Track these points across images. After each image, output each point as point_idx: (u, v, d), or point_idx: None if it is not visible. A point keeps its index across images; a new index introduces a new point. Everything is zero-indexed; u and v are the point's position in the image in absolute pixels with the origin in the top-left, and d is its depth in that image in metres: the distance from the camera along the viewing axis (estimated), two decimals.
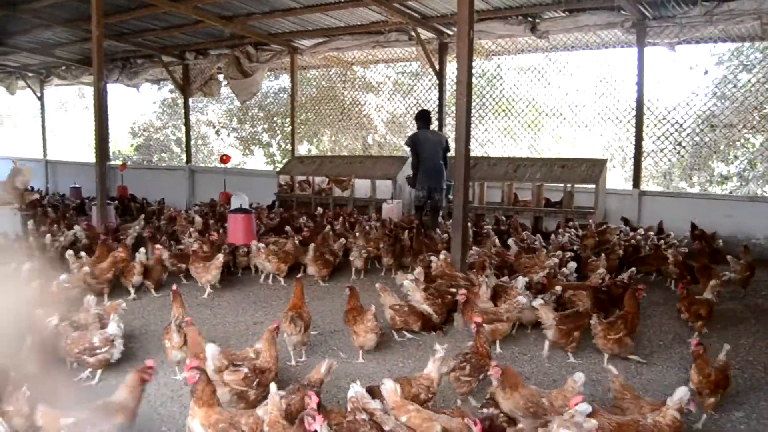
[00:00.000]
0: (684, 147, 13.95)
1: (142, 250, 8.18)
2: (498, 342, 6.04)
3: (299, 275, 7.48)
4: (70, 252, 7.95)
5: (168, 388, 5.09)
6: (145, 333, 6.53)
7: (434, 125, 12.61)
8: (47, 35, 16.67)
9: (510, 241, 9.16)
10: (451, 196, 10.14)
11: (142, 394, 4.08)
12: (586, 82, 15.81)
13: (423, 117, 11.26)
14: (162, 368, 5.40)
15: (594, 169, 12.25)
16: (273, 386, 3.83)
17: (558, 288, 6.58)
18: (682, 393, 3.76)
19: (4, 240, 9.35)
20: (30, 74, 22.36)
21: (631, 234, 10.10)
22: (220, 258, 8.05)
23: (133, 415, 3.98)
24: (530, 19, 12.60)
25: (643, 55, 12.35)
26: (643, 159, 13.14)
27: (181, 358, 5.20)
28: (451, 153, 9.80)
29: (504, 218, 11.91)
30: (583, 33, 13.03)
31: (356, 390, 3.76)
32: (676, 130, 13.55)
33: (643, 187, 13.37)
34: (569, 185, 12.17)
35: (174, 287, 6.13)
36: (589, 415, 3.55)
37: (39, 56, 19.32)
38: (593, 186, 11.93)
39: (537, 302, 5.87)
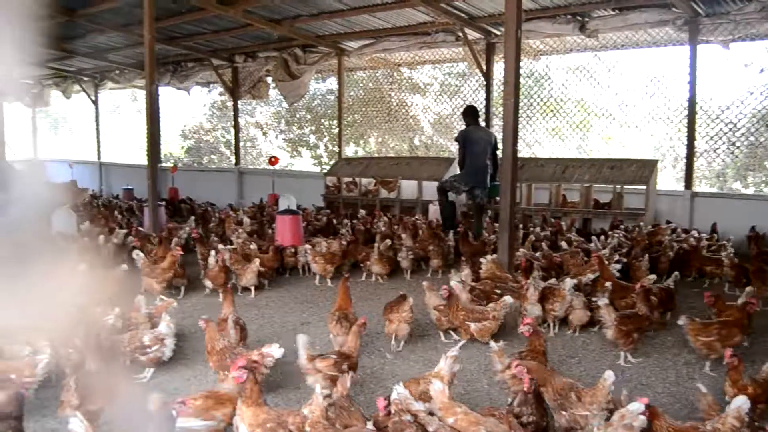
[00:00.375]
0: (738, 147, 13.58)
1: (213, 253, 8.32)
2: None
3: (346, 275, 7.54)
4: (138, 252, 8.15)
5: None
6: (195, 332, 6.63)
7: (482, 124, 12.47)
8: (101, 40, 17.09)
9: (563, 243, 9.13)
10: (498, 198, 10.17)
11: None
12: (636, 81, 15.55)
13: (472, 113, 11.14)
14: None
15: (644, 169, 12.03)
16: (318, 387, 3.86)
17: (608, 283, 6.53)
18: (740, 401, 3.67)
19: (60, 240, 9.61)
20: (85, 78, 22.97)
21: (683, 236, 9.90)
22: (257, 262, 8.14)
23: None
24: (579, 18, 12.45)
25: (696, 53, 12.10)
26: (695, 159, 12.88)
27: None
28: (499, 152, 9.74)
29: (553, 219, 11.80)
30: (633, 31, 12.82)
31: (399, 392, 3.77)
32: (730, 130, 13.20)
33: (696, 188, 13.09)
34: (618, 186, 11.98)
35: (227, 285, 6.30)
36: (651, 418, 3.56)
37: (93, 61, 19.84)
38: (643, 187, 11.72)
39: (602, 301, 5.82)
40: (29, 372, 4.56)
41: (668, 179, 17.38)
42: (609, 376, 4.01)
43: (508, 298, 6.18)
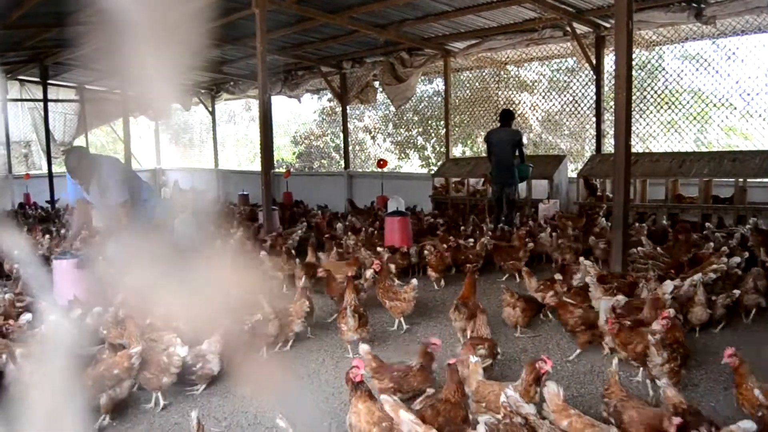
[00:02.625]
0: None
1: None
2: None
3: (471, 267, 7.71)
4: (263, 253, 8.71)
5: (329, 385, 5.34)
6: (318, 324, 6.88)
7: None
8: (216, 53, 17.85)
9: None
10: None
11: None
12: (759, 67, 14.68)
13: (502, 116, 12.14)
14: (323, 366, 5.70)
15: None
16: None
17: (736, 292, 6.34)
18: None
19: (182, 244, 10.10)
20: (202, 91, 24.09)
21: None
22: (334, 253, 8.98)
23: None
24: (695, 5, 11.90)
25: None
26: None
27: (355, 339, 5.89)
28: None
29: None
30: (754, 15, 12.13)
31: (509, 394, 3.75)
32: None
33: None
34: (741, 180, 11.37)
35: (349, 274, 6.75)
36: None
37: (209, 74, 20.75)
38: None
39: None
40: None
41: None
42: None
43: (414, 281, 6.82)
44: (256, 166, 25.66)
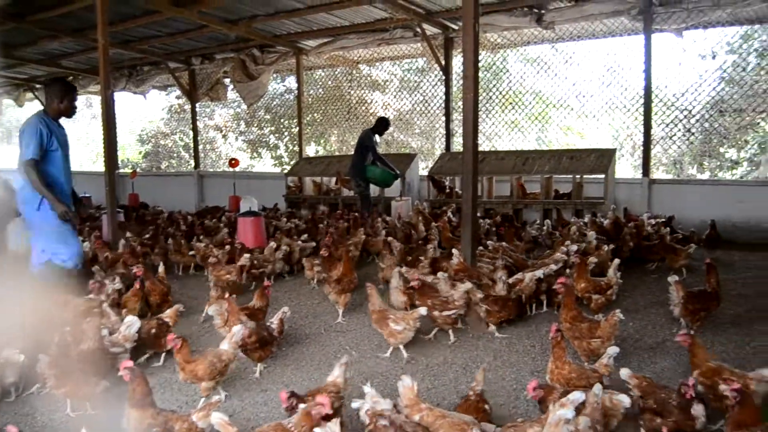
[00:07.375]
0: (693, 134, 13.83)
1: None
2: None
3: (347, 250, 7.64)
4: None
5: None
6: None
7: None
8: (54, 46, 16.69)
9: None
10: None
11: None
12: (593, 71, 15.72)
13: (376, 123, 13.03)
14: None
15: (603, 158, 12.14)
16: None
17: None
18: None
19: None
20: (38, 86, 22.43)
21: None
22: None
23: None
24: (536, 11, 12.51)
25: (650, 42, 12.28)
26: (652, 147, 13.08)
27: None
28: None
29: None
30: (589, 22, 12.97)
31: (367, 390, 3.76)
32: (685, 117, 13.42)
33: (653, 175, 13.30)
34: (578, 176, 12.09)
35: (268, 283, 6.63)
36: None
37: (46, 67, 19.35)
38: (602, 176, 11.85)
39: (672, 278, 6.02)
40: None
41: (627, 167, 17.64)
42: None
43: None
44: (99, 166, 24.33)
